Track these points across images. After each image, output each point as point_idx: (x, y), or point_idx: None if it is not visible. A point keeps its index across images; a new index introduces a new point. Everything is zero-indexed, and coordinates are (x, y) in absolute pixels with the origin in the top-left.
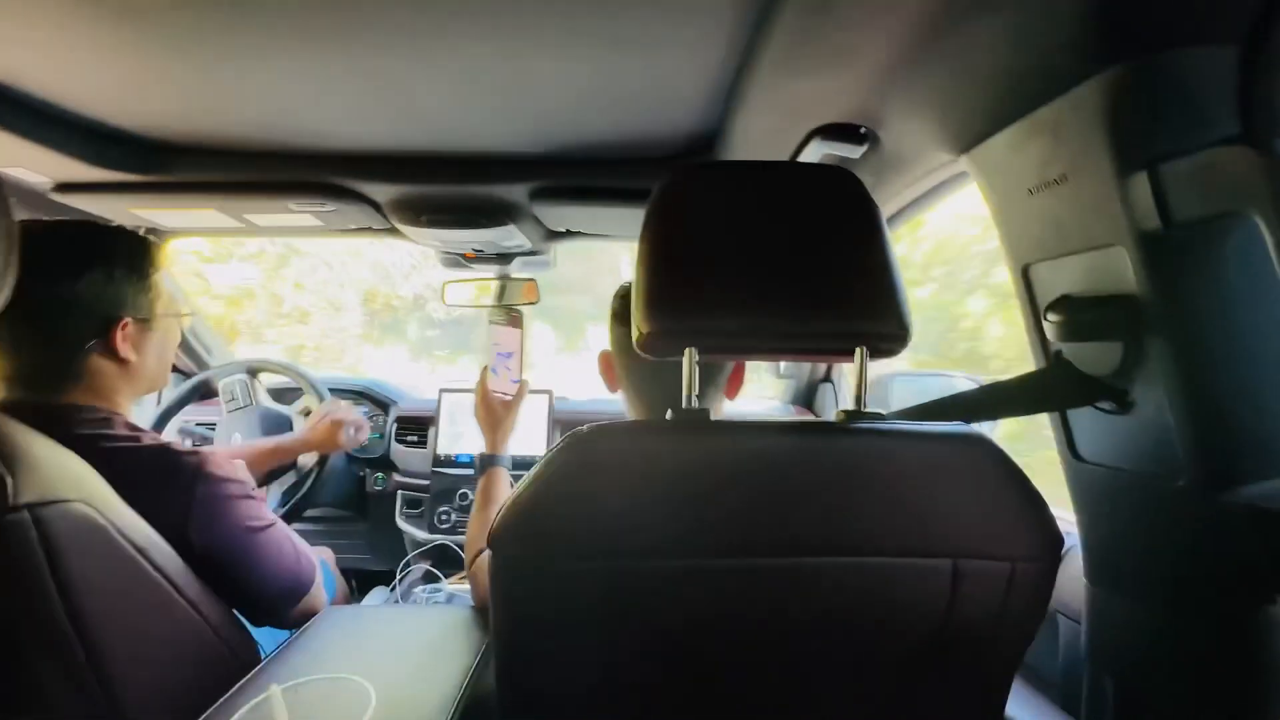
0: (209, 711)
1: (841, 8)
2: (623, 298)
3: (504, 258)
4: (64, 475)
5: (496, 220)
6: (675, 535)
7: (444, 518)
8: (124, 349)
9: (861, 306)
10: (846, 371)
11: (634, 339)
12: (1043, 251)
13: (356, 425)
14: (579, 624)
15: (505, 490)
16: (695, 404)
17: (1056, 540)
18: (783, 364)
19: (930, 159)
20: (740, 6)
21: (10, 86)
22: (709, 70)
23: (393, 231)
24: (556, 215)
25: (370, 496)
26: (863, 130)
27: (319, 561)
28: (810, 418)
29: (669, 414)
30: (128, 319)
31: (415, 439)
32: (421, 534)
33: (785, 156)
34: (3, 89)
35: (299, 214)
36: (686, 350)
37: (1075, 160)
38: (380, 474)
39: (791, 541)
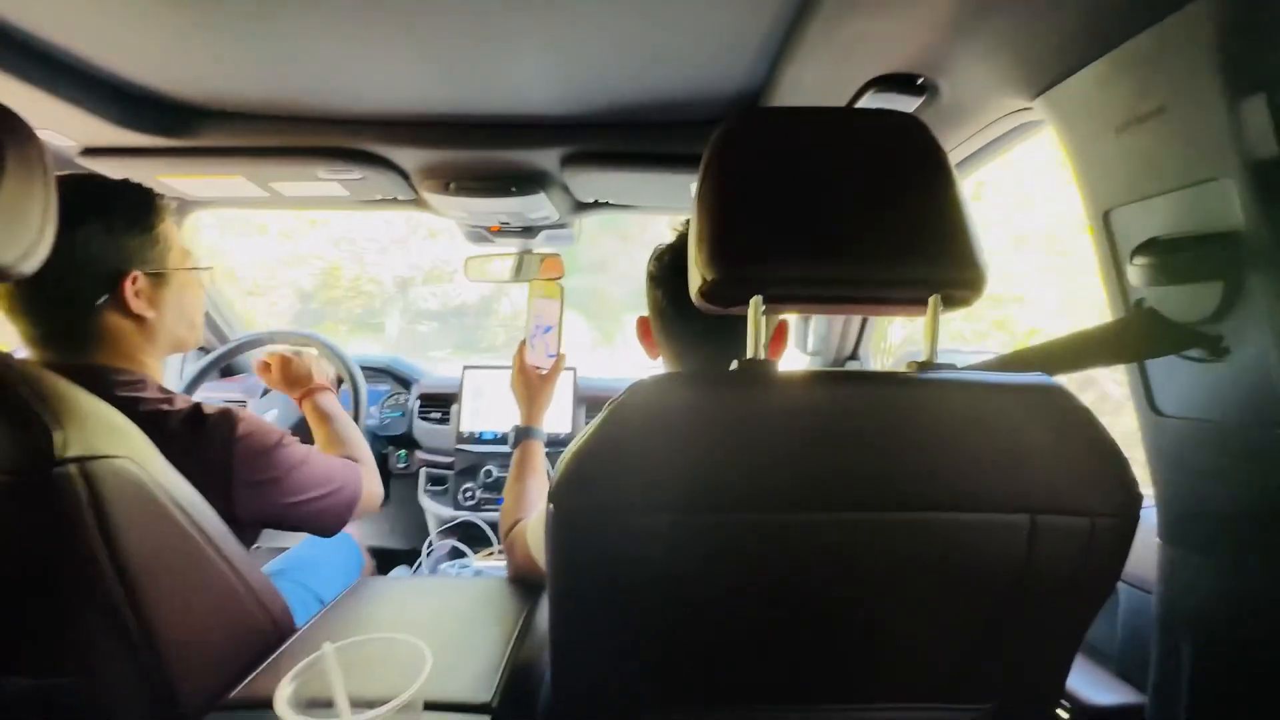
0: (257, 671)
1: None
2: (658, 259)
3: (529, 231)
4: (110, 431)
5: (526, 188)
6: (740, 489)
7: (468, 494)
8: (136, 304)
9: (934, 254)
10: (875, 350)
11: (696, 289)
12: (1128, 193)
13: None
14: (639, 580)
15: (541, 462)
16: (761, 354)
17: (1136, 497)
18: (810, 340)
19: (995, 107)
20: None
21: (44, 41)
22: (758, 23)
23: (418, 203)
24: (587, 184)
25: (393, 475)
26: (920, 81)
27: (352, 464)
28: None
29: (734, 365)
30: (136, 272)
31: (438, 416)
32: (446, 511)
33: None
34: (35, 43)
35: (327, 182)
36: (752, 300)
37: (1175, 90)
38: (403, 451)
39: (862, 495)
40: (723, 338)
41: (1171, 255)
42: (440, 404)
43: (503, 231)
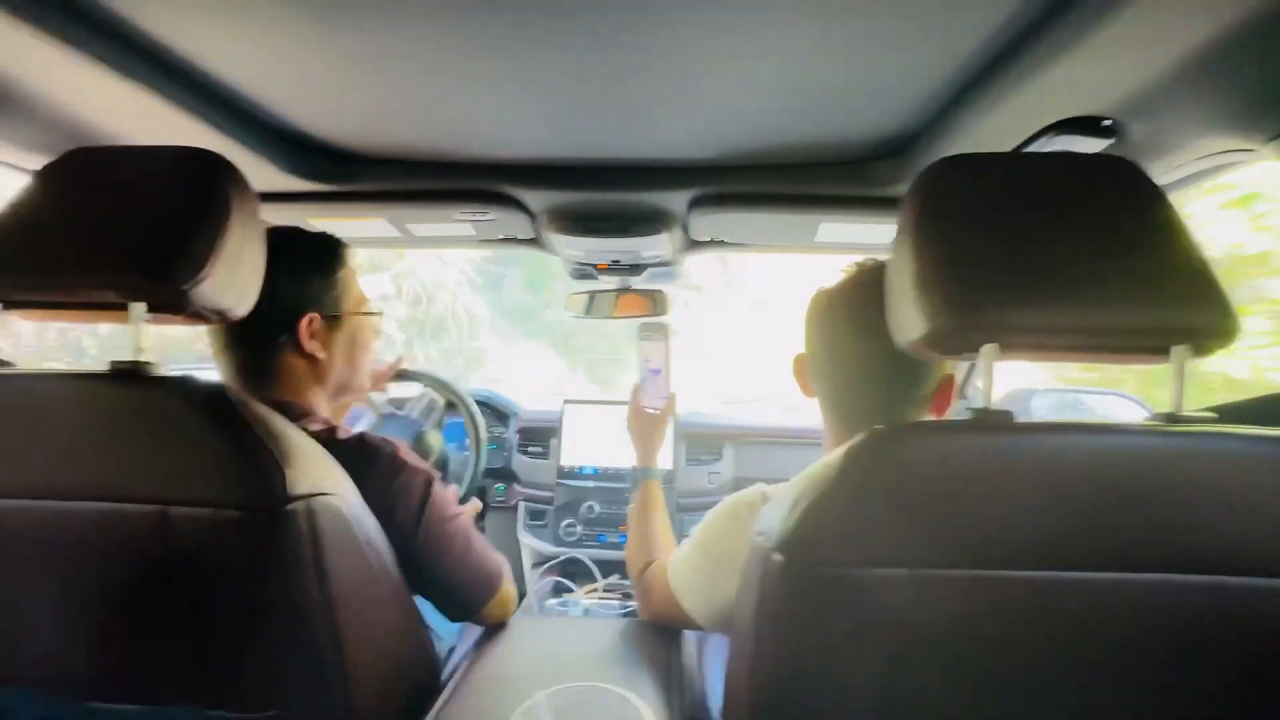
0: (434, 713)
1: None
2: (816, 301)
3: (635, 269)
4: (323, 469)
5: (649, 229)
6: (983, 543)
7: (570, 530)
8: (311, 345)
9: (1177, 297)
10: (979, 385)
11: (917, 335)
12: None
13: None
14: (872, 636)
15: (662, 502)
16: (983, 402)
17: None
18: None
19: (1199, 149)
20: None
21: (238, 93)
22: (934, 70)
23: (534, 242)
24: (709, 224)
25: (490, 508)
26: (1108, 123)
27: (500, 556)
28: None
29: (966, 412)
30: (314, 315)
31: (538, 450)
32: (546, 546)
33: None
34: (231, 96)
35: (459, 223)
36: (984, 348)
37: None
38: (501, 485)
39: (1114, 553)
40: (880, 382)
41: None
42: (539, 438)
43: (610, 269)
